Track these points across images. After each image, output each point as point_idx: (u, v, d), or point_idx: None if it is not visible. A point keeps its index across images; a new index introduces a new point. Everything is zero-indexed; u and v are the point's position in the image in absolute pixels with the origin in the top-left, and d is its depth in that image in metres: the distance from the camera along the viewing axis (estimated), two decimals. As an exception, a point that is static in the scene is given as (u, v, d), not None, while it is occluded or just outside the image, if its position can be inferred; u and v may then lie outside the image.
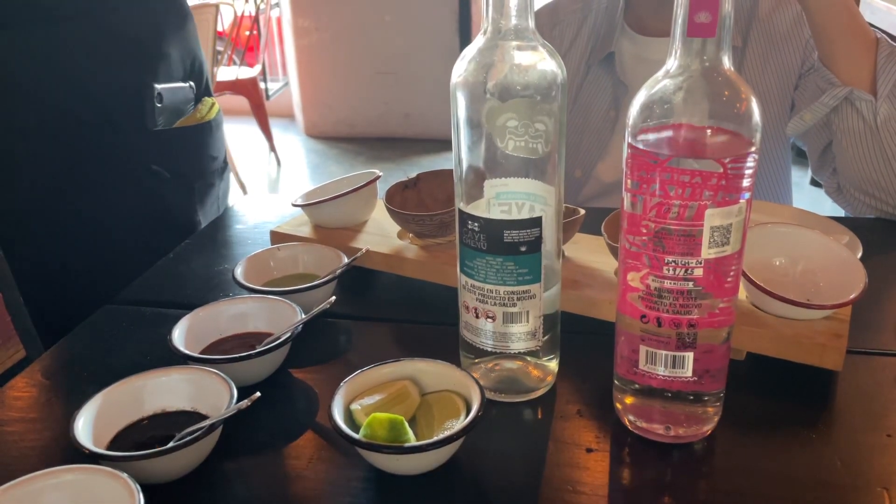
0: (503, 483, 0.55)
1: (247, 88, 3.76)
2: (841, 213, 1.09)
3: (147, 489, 0.48)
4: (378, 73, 4.28)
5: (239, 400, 0.56)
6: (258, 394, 0.56)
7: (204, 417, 0.58)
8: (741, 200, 0.50)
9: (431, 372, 0.60)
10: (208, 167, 1.16)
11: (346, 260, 0.79)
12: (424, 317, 0.78)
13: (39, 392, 0.68)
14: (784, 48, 1.07)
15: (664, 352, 0.54)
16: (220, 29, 3.48)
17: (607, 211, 0.78)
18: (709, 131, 0.50)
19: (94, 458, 0.52)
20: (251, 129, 4.06)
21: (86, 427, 0.55)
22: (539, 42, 0.55)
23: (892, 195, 0.96)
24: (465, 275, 0.60)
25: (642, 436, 0.58)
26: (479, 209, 0.57)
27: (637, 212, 0.52)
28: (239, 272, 0.78)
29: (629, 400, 0.58)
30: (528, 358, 0.62)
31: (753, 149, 0.50)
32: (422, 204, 0.88)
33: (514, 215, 0.57)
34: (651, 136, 0.51)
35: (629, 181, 0.52)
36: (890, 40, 0.96)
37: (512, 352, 0.61)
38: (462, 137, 0.57)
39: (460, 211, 0.59)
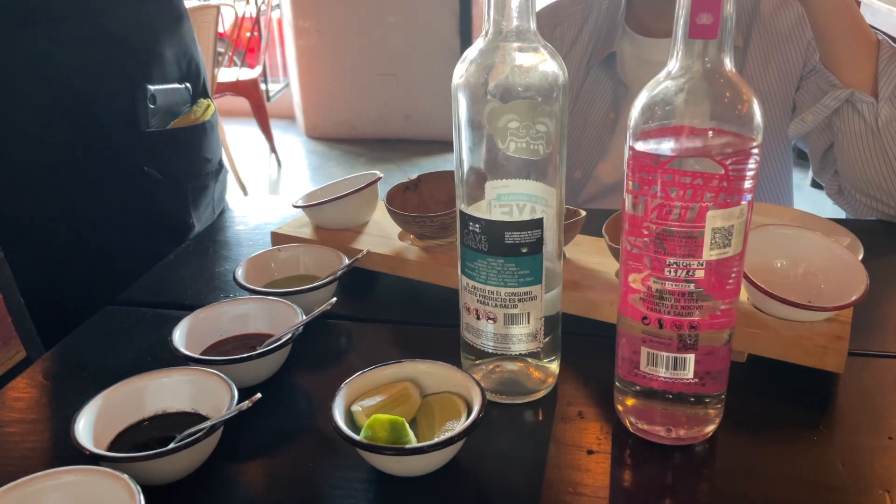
0: (504, 485, 0.55)
1: (247, 90, 3.76)
2: (842, 214, 1.09)
3: (148, 490, 0.48)
4: (378, 74, 4.28)
5: (240, 401, 0.56)
6: (259, 395, 0.56)
7: (205, 419, 0.58)
8: (743, 202, 0.50)
9: (432, 373, 0.60)
10: (202, 169, 1.16)
11: (346, 261, 0.79)
12: (425, 318, 0.78)
13: (40, 393, 0.68)
14: (786, 49, 1.07)
15: (665, 353, 0.54)
16: (220, 30, 3.49)
17: (608, 212, 0.78)
18: (710, 133, 0.50)
19: (94, 459, 0.52)
20: (252, 130, 4.06)
21: (86, 428, 0.55)
22: (540, 43, 0.55)
23: (893, 197, 0.96)
24: (466, 276, 0.60)
25: (643, 437, 0.58)
26: (480, 210, 0.57)
27: (638, 213, 0.52)
28: (240, 273, 0.78)
29: (630, 402, 0.58)
30: (529, 359, 0.62)
31: (755, 150, 0.50)
32: (423, 205, 0.88)
33: (516, 217, 0.56)
34: (652, 138, 0.51)
35: (630, 182, 0.52)
36: (891, 42, 0.96)
37: (513, 353, 0.61)
38: (463, 139, 0.57)
39: (461, 212, 0.59)
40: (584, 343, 0.69)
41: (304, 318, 0.68)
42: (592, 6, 1.18)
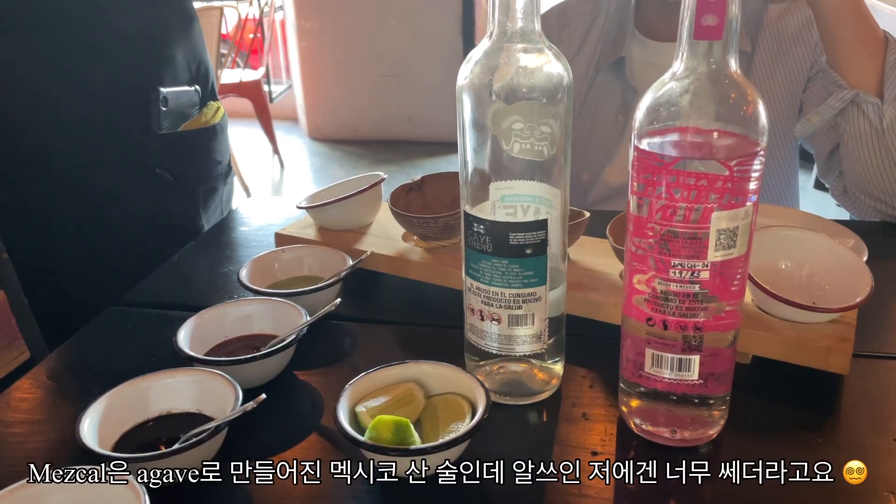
0: (508, 486, 0.55)
1: (250, 91, 3.77)
2: (846, 216, 1.08)
3: (152, 491, 0.48)
4: (381, 75, 4.28)
5: (244, 402, 0.56)
6: (263, 396, 0.56)
7: (209, 419, 0.58)
8: (748, 203, 0.50)
9: (436, 374, 0.60)
10: (212, 171, 1.16)
11: (350, 262, 0.79)
12: (429, 319, 0.78)
13: (44, 394, 0.69)
14: (793, 51, 1.07)
15: (670, 355, 0.54)
16: (224, 32, 3.49)
17: (613, 214, 0.78)
18: (715, 134, 0.50)
19: (99, 459, 0.52)
20: (255, 131, 4.06)
21: (91, 428, 0.55)
22: (545, 45, 0.55)
23: (898, 198, 0.96)
24: (470, 277, 0.60)
25: (648, 439, 0.58)
26: (484, 212, 0.57)
27: (643, 214, 0.52)
28: (244, 274, 0.78)
29: (635, 403, 0.58)
30: (534, 361, 0.62)
31: (760, 151, 0.49)
32: (426, 206, 0.88)
33: (520, 218, 0.56)
34: (657, 139, 0.51)
35: (635, 184, 0.52)
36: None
37: (517, 354, 0.61)
38: (468, 140, 0.57)
39: (465, 213, 0.59)
40: (588, 344, 0.69)
41: (309, 318, 0.68)
42: (601, 7, 1.18)
